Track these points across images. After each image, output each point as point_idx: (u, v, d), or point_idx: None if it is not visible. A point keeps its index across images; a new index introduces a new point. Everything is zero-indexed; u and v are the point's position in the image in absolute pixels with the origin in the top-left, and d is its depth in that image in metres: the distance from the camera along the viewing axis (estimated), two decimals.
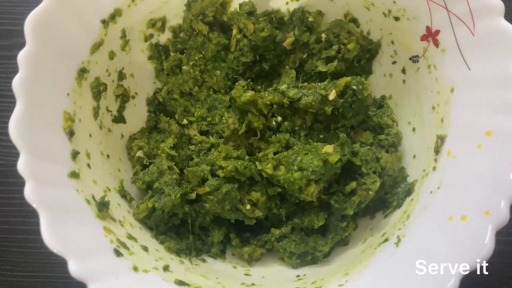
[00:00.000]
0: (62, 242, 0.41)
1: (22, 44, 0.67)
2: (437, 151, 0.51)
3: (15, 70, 0.65)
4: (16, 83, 0.44)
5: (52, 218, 0.41)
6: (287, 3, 0.61)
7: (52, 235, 0.40)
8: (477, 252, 0.41)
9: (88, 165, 0.50)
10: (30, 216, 0.60)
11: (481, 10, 0.47)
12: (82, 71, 0.51)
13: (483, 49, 0.47)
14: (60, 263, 0.59)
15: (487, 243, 0.40)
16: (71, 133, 0.48)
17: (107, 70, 0.56)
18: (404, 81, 0.58)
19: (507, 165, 0.43)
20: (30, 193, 0.41)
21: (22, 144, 0.43)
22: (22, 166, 0.42)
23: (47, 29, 0.46)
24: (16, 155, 0.62)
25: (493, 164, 0.44)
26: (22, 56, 0.44)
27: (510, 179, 0.42)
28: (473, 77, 0.49)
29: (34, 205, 0.41)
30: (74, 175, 0.46)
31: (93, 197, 0.48)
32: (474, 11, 0.48)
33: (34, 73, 0.45)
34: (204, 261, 0.55)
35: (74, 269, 0.40)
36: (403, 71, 0.58)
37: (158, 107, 0.63)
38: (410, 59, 0.57)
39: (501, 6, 0.46)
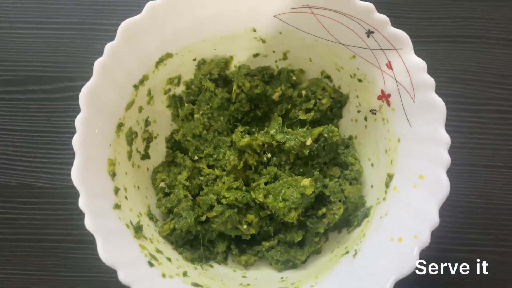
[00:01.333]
0: (112, 258, 0.51)
1: (61, 88, 0.79)
2: (386, 185, 0.62)
3: (56, 110, 0.79)
4: (75, 141, 0.54)
5: (104, 240, 0.52)
6: (276, 61, 0.71)
7: (106, 253, 0.51)
8: (405, 266, 0.52)
9: (126, 197, 0.60)
10: (73, 229, 0.74)
11: (419, 84, 0.58)
12: (120, 125, 0.61)
13: (420, 113, 0.58)
14: (98, 265, 0.73)
15: (413, 259, 0.52)
16: (113, 175, 0.59)
17: (137, 121, 0.65)
18: (366, 126, 0.69)
19: (432, 203, 0.54)
20: (88, 223, 0.52)
21: (81, 187, 0.53)
22: (82, 203, 0.52)
23: (95, 98, 0.56)
24: (59, 179, 0.76)
25: (422, 201, 0.55)
26: (78, 120, 0.54)
27: (433, 214, 0.53)
28: (414, 133, 0.59)
29: (92, 232, 0.52)
30: (117, 206, 0.57)
31: (131, 222, 0.58)
32: (415, 84, 0.58)
33: (86, 132, 0.55)
34: (211, 266, 0.65)
35: (122, 277, 0.51)
36: (365, 119, 0.68)
37: (175, 144, 0.72)
38: (370, 111, 0.67)
39: (433, 83, 0.56)
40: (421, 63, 0.58)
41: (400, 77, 0.60)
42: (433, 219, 0.53)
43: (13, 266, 0.74)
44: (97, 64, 0.57)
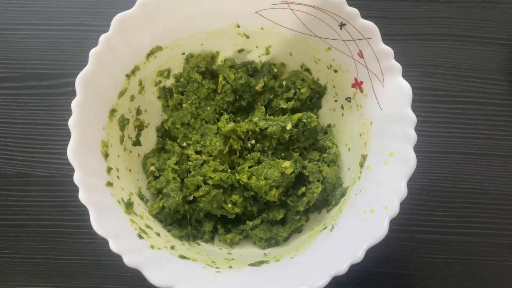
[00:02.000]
0: (104, 229, 0.54)
1: (59, 84, 0.84)
2: (361, 165, 0.64)
3: (55, 104, 0.83)
4: (71, 122, 0.57)
5: (97, 213, 0.54)
6: (259, 56, 0.76)
7: (98, 224, 0.54)
8: (377, 234, 0.54)
9: (118, 177, 0.63)
10: (68, 215, 0.77)
11: (388, 69, 0.61)
12: (113, 111, 0.64)
13: (389, 96, 0.61)
14: (92, 249, 0.77)
15: (384, 227, 0.55)
16: (106, 155, 0.62)
17: (129, 109, 0.68)
18: (342, 114, 0.73)
19: (401, 177, 0.56)
20: (82, 197, 0.55)
21: (76, 164, 0.56)
22: (76, 179, 0.55)
23: (90, 84, 0.59)
24: (56, 169, 0.80)
25: (392, 176, 0.58)
26: (74, 104, 0.57)
27: (401, 186, 0.56)
28: (384, 115, 0.62)
29: (85, 205, 0.54)
30: (109, 184, 0.60)
31: (122, 199, 0.61)
32: (383, 70, 0.62)
33: (81, 115, 0.58)
34: (198, 244, 0.67)
35: (113, 246, 0.53)
36: (342, 107, 0.72)
37: (165, 133, 0.75)
38: (346, 99, 0.71)
39: (400, 68, 0.60)
40: (388, 50, 0.62)
41: (371, 65, 0.64)
42: (402, 190, 0.56)
43: (9, 250, 0.77)
44: (92, 53, 0.61)
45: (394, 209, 0.56)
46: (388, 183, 0.58)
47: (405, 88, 0.61)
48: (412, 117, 0.59)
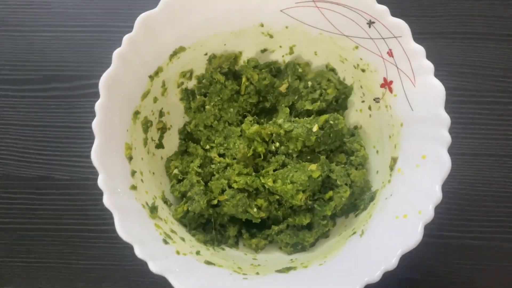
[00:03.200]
0: (129, 234, 0.53)
1: (79, 86, 0.83)
2: (391, 168, 0.63)
3: (75, 106, 0.83)
4: (94, 125, 0.56)
5: (121, 218, 0.53)
6: (283, 56, 0.75)
7: (122, 229, 0.53)
8: (411, 240, 0.53)
9: (142, 180, 0.62)
10: (89, 219, 0.76)
11: (419, 69, 0.60)
12: (136, 113, 0.63)
13: (421, 96, 0.59)
14: (113, 254, 0.75)
15: (418, 233, 0.53)
16: (130, 158, 0.61)
17: (152, 111, 0.67)
18: (370, 115, 0.71)
19: (434, 180, 0.55)
20: (107, 201, 0.54)
21: (100, 167, 0.55)
22: (101, 182, 0.54)
23: (113, 85, 0.58)
24: (77, 172, 0.80)
25: (425, 179, 0.56)
26: (97, 105, 0.56)
27: (435, 190, 0.54)
28: (415, 116, 0.60)
29: (110, 209, 0.53)
30: (133, 187, 0.59)
31: (146, 203, 0.60)
32: (414, 70, 0.60)
33: (105, 117, 0.57)
34: (223, 249, 0.66)
35: (139, 252, 0.52)
36: (369, 108, 0.71)
37: (187, 136, 0.73)
38: (374, 100, 0.69)
39: (432, 67, 0.58)
40: (419, 49, 0.60)
41: (401, 64, 0.62)
42: (436, 195, 0.54)
43: (32, 254, 0.76)
44: (116, 53, 0.60)
45: (428, 214, 0.55)
46: (421, 187, 0.57)
47: (437, 88, 0.59)
48: (446, 118, 0.57)
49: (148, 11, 0.62)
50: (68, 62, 0.84)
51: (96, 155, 0.56)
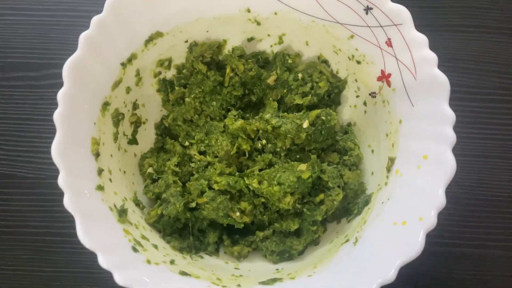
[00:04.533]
0: (93, 240, 0.48)
1: (47, 75, 0.78)
2: (388, 169, 0.59)
3: (42, 97, 0.77)
4: (56, 116, 0.52)
5: (84, 221, 0.49)
6: (271, 46, 0.70)
7: (85, 235, 0.48)
8: (411, 250, 0.48)
9: (110, 180, 0.57)
10: (56, 221, 0.71)
11: (421, 60, 0.56)
12: (105, 104, 0.59)
13: (423, 91, 0.55)
14: (82, 261, 0.69)
15: (419, 242, 0.49)
16: (97, 155, 0.56)
17: (124, 102, 0.63)
18: (365, 111, 0.67)
19: (437, 183, 0.50)
20: (67, 203, 0.49)
21: (61, 164, 0.50)
22: (61, 181, 0.50)
23: (79, 72, 0.54)
24: (43, 169, 0.73)
25: (427, 182, 0.52)
26: (60, 94, 0.52)
27: (439, 194, 0.50)
28: (416, 112, 0.56)
29: (71, 212, 0.49)
30: (100, 188, 0.54)
31: (115, 205, 0.55)
32: (416, 61, 0.56)
33: (69, 108, 0.53)
34: (202, 257, 0.61)
35: (103, 261, 0.47)
36: (365, 103, 0.66)
37: (164, 131, 0.70)
38: (370, 94, 0.65)
39: (436, 58, 0.54)
40: (422, 38, 0.56)
41: (401, 55, 0.58)
42: (439, 199, 0.50)
43: None
44: (83, 36, 0.55)
45: (430, 220, 0.50)
46: (422, 190, 0.52)
47: (441, 81, 0.54)
48: (450, 115, 0.53)
49: None
50: (36, 49, 0.78)
51: (57, 151, 0.51)
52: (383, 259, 0.50)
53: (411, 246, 0.49)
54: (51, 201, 0.71)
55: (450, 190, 0.59)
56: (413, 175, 0.55)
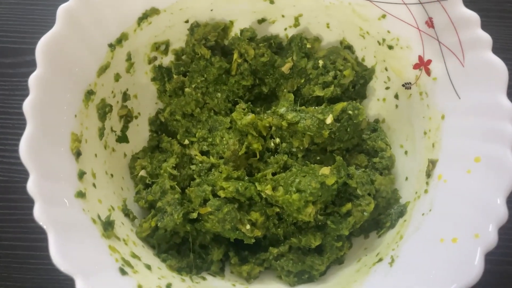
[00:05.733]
0: (70, 261, 0.42)
1: (25, 62, 0.72)
2: (428, 174, 0.53)
3: (18, 87, 0.70)
4: (27, 105, 0.45)
5: (60, 237, 0.42)
6: (285, 29, 0.64)
7: (59, 254, 0.41)
8: (467, 274, 0.42)
9: (94, 185, 0.51)
10: (31, 233, 0.64)
11: (470, 43, 0.50)
12: (89, 93, 0.53)
13: (472, 79, 0.50)
14: (60, 280, 0.61)
15: (476, 265, 0.42)
16: (78, 154, 0.50)
17: (112, 92, 0.58)
18: (397, 106, 0.61)
19: (495, 191, 0.45)
20: (38, 213, 0.42)
21: (31, 165, 0.44)
22: (31, 186, 0.43)
23: (57, 53, 0.48)
24: (17, 171, 0.66)
25: (481, 189, 0.46)
26: (33, 79, 0.46)
27: (497, 204, 0.44)
28: (463, 106, 0.51)
29: (42, 225, 0.42)
30: (81, 194, 0.48)
31: (99, 217, 0.49)
32: (464, 44, 0.51)
33: (44, 95, 0.46)
34: (204, 279, 0.56)
35: (82, 286, 0.41)
36: (396, 96, 0.61)
37: (160, 127, 0.65)
38: (403, 85, 0.59)
39: (489, 39, 0.49)
40: (472, 16, 0.50)
41: (445, 37, 0.52)
42: (499, 211, 0.44)
43: None
44: (62, 10, 0.49)
45: (489, 237, 0.44)
46: (475, 200, 0.46)
47: (497, 67, 0.48)
48: (509, 108, 0.47)
49: None
50: (12, 32, 0.72)
51: (27, 148, 0.44)
52: (431, 285, 0.44)
53: (467, 269, 0.43)
54: (26, 209, 0.62)
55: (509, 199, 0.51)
56: (461, 181, 0.49)
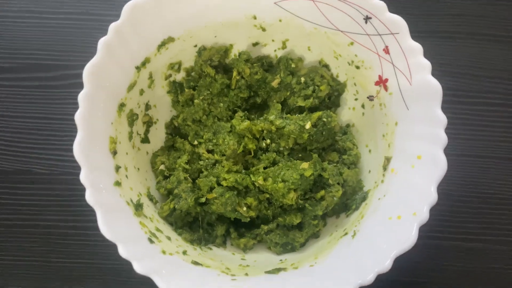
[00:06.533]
0: (112, 232, 0.51)
1: (63, 76, 0.80)
2: (384, 168, 0.62)
3: (57, 97, 0.79)
4: (77, 117, 0.54)
5: (105, 215, 0.51)
6: (275, 50, 0.73)
7: (106, 227, 0.51)
8: (405, 242, 0.52)
9: (126, 176, 0.60)
10: (67, 215, 0.73)
11: (416, 67, 0.58)
12: (121, 106, 0.61)
13: (417, 95, 0.58)
14: (95, 253, 0.72)
15: (413, 235, 0.52)
16: (114, 153, 0.59)
17: (138, 103, 0.65)
18: (363, 113, 0.70)
19: (430, 181, 0.54)
20: (89, 197, 0.51)
21: (82, 161, 0.52)
22: (83, 177, 0.52)
23: (98, 75, 0.56)
24: (56, 166, 0.76)
25: (421, 180, 0.55)
26: (81, 96, 0.54)
27: (431, 191, 0.53)
28: (411, 115, 0.59)
29: (92, 206, 0.51)
30: (118, 183, 0.57)
31: (131, 200, 0.58)
32: (411, 67, 0.59)
33: (89, 108, 0.55)
34: (210, 249, 0.64)
35: (122, 251, 0.50)
36: (363, 106, 0.69)
37: (174, 130, 0.72)
38: (368, 97, 0.67)
39: (429, 65, 0.57)
40: (417, 46, 0.59)
41: (397, 61, 0.61)
42: (431, 196, 0.54)
43: (7, 251, 0.73)
44: (102, 42, 0.57)
45: (423, 215, 0.53)
46: (416, 187, 0.56)
47: (434, 87, 0.57)
48: (443, 118, 0.56)
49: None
50: (52, 51, 0.80)
51: (79, 149, 0.53)
52: (380, 251, 0.53)
53: (405, 238, 0.52)
54: (66, 196, 0.74)
55: (440, 187, 0.65)
56: (407, 173, 0.58)
